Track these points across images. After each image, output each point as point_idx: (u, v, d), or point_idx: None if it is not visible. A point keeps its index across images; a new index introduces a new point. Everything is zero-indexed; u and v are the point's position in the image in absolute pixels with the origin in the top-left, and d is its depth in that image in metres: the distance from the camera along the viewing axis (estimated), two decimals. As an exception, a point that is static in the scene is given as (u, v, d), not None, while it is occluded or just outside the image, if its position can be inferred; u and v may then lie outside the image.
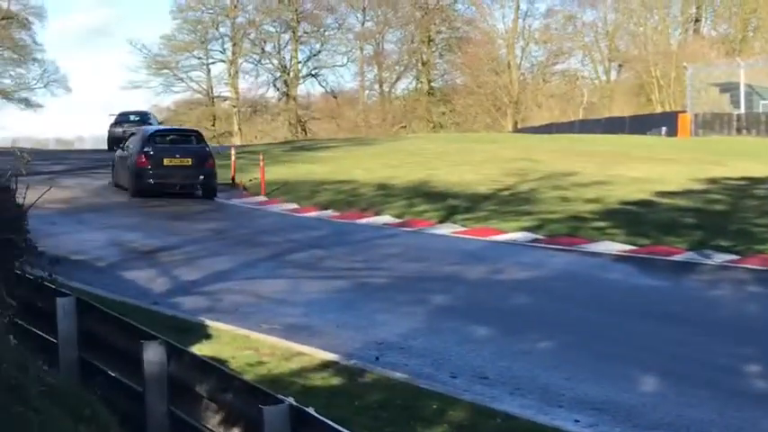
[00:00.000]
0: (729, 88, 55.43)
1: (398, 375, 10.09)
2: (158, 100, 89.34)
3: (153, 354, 7.59)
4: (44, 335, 9.48)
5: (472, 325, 12.43)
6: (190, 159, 25.89)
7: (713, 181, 25.68)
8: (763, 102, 54.31)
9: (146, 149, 25.52)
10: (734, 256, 17.01)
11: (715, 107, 55.19)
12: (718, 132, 50.97)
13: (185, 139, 27.76)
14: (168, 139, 27.31)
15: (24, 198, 9.68)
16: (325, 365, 10.44)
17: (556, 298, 14.38)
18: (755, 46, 72.28)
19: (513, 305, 13.87)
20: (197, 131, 30.05)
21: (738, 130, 50.81)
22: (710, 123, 52.35)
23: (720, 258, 16.94)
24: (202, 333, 11.66)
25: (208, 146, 27.96)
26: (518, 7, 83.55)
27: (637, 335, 11.96)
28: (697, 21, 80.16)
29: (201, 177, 25.85)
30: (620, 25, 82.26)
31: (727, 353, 11.13)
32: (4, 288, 8.61)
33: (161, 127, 36.52)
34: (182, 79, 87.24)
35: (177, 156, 25.84)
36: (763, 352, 11.30)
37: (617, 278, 15.91)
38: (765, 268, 16.04)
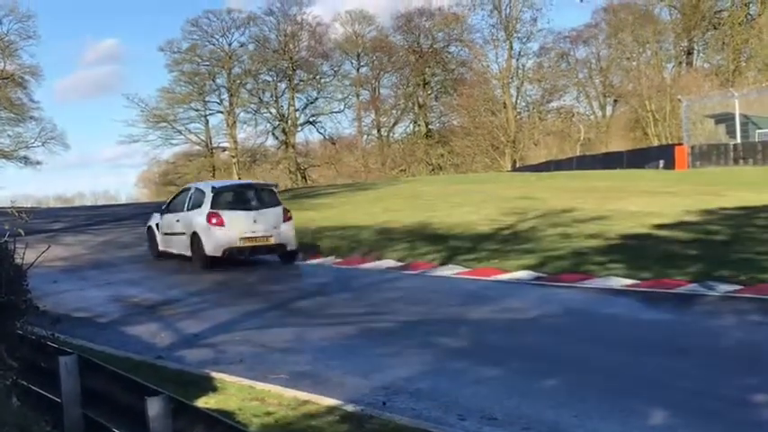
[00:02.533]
0: (725, 119, 55.67)
1: (406, 420, 10.01)
2: (157, 153, 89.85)
3: (157, 409, 7.53)
4: (48, 394, 9.43)
5: (479, 366, 12.37)
6: None
7: (713, 212, 25.68)
8: (759, 131, 54.48)
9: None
10: (737, 286, 16.94)
11: (711, 138, 55.41)
12: (716, 163, 51.12)
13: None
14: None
15: (23, 258, 9.67)
16: (333, 413, 10.37)
17: (561, 335, 14.32)
18: (749, 76, 72.66)
19: (519, 344, 13.80)
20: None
21: (735, 160, 50.96)
22: (707, 154, 52.50)
23: (724, 289, 16.87)
24: (208, 386, 11.59)
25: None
26: (511, 47, 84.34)
27: (643, 369, 11.88)
28: (689, 53, 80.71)
29: None
30: (614, 61, 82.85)
31: (735, 384, 11.05)
32: (6, 350, 8.57)
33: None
34: (180, 131, 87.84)
35: None
36: (771, 381, 11.22)
37: (621, 313, 15.84)
38: (769, 297, 15.95)
